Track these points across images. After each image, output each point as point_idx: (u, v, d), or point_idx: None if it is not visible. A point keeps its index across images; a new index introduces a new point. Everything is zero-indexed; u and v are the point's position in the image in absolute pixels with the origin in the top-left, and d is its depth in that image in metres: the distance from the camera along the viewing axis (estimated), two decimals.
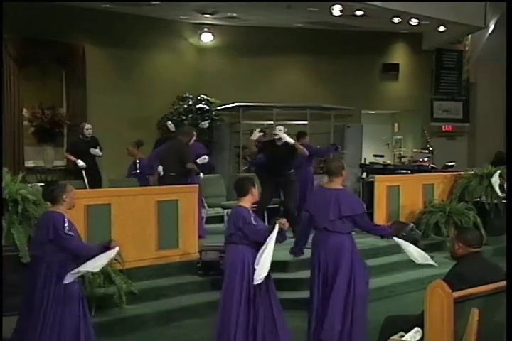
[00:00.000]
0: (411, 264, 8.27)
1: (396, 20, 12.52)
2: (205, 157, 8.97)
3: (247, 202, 5.26)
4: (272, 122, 12.69)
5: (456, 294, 3.71)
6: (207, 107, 12.90)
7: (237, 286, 5.05)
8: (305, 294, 6.87)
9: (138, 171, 9.93)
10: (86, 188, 8.95)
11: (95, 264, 4.69)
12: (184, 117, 12.67)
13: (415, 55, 15.79)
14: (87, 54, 12.06)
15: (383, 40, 15.04)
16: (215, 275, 7.03)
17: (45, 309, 4.66)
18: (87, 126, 9.95)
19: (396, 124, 16.92)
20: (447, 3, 12.29)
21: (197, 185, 7.86)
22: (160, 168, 9.31)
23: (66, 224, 4.71)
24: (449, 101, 16.63)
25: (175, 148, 8.61)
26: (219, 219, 9.71)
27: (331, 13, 11.72)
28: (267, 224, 5.99)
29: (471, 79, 16.82)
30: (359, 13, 12.06)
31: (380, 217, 9.26)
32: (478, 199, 9.99)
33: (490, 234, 9.23)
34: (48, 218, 4.79)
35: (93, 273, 5.72)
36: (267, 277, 5.00)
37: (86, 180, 9.49)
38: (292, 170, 8.82)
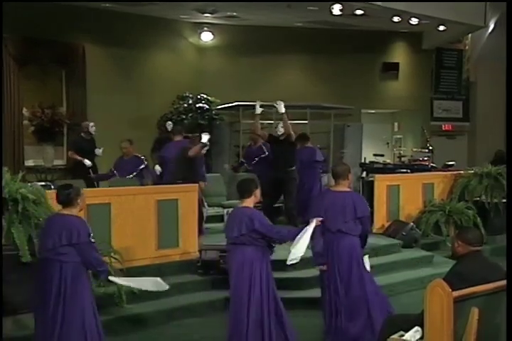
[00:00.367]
0: (411, 263, 8.34)
1: (396, 19, 12.53)
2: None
3: (250, 203, 5.29)
4: (272, 121, 12.68)
5: (456, 293, 3.71)
6: (207, 106, 12.90)
7: (246, 286, 5.08)
8: (305, 293, 6.94)
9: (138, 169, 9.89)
10: (95, 187, 8.97)
11: (138, 284, 5.23)
12: (184, 116, 12.67)
13: (415, 55, 15.79)
14: (86, 53, 12.07)
15: (383, 40, 15.04)
16: (215, 274, 7.05)
17: (59, 310, 4.65)
18: (91, 123, 10.04)
19: (396, 123, 16.92)
20: (447, 3, 12.29)
21: (197, 184, 7.85)
22: (157, 168, 9.43)
23: (91, 232, 4.76)
24: (449, 100, 16.64)
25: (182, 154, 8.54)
26: (219, 218, 9.70)
27: (331, 12, 11.73)
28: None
29: (471, 79, 16.83)
30: (359, 12, 12.08)
31: (380, 216, 9.27)
32: (478, 199, 9.99)
33: (490, 233, 9.23)
34: (71, 222, 4.74)
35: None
36: (270, 278, 5.16)
37: (93, 178, 9.51)
38: (294, 168, 8.96)
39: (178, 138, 9.55)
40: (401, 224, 9.14)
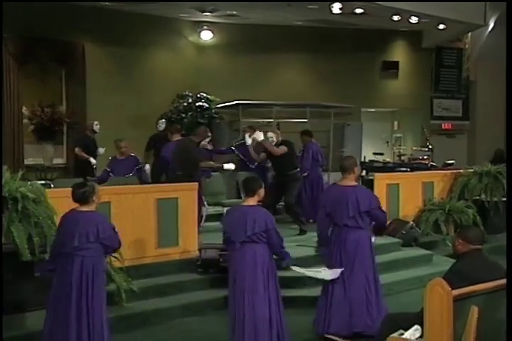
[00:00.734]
0: (410, 262, 8.34)
1: (396, 18, 12.52)
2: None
3: (253, 202, 5.29)
4: (271, 120, 12.69)
5: (455, 292, 3.71)
6: (206, 105, 12.88)
7: (261, 285, 5.07)
8: (302, 292, 6.93)
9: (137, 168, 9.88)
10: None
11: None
12: (184, 115, 12.66)
13: (415, 53, 15.78)
14: (86, 52, 12.06)
15: (383, 38, 15.03)
16: (215, 273, 7.04)
17: (83, 303, 4.76)
18: (96, 122, 10.14)
19: (396, 122, 16.90)
20: (447, 2, 12.29)
21: (196, 183, 7.84)
22: (147, 166, 9.59)
23: (114, 226, 5.03)
24: (448, 99, 16.63)
25: (184, 147, 8.54)
26: (219, 217, 9.70)
27: (331, 11, 11.74)
28: None
29: (471, 77, 16.83)
30: (359, 11, 12.07)
31: None
32: (477, 198, 9.99)
33: (489, 232, 9.21)
34: (95, 218, 4.93)
35: None
36: (275, 275, 5.18)
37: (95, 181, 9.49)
38: (296, 170, 9.02)
39: (176, 137, 9.52)
40: (401, 223, 9.14)
